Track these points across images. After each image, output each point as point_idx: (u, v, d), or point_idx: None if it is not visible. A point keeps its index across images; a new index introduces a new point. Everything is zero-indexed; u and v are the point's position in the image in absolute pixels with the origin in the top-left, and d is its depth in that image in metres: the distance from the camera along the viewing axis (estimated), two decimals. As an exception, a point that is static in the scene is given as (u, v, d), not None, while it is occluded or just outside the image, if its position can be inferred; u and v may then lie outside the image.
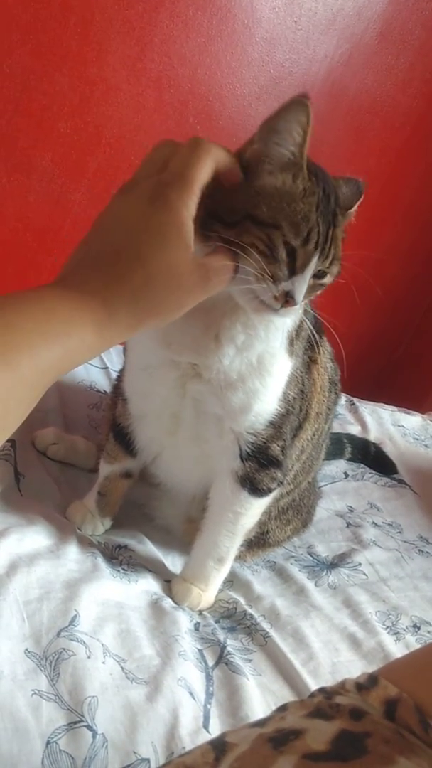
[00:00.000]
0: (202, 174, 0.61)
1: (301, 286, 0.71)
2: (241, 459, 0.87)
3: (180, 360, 0.81)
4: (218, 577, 0.93)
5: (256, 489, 0.88)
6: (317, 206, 0.69)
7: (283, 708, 0.42)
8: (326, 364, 0.98)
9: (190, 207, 0.60)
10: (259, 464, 0.87)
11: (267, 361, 0.81)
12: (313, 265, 0.71)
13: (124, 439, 0.95)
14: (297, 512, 1.09)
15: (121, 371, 0.98)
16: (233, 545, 0.92)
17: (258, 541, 1.02)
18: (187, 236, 0.59)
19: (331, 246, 0.72)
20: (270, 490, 0.90)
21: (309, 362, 0.91)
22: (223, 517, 0.90)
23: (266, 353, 0.80)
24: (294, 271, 0.70)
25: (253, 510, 0.91)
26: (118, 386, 0.98)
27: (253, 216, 0.68)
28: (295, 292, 0.71)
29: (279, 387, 0.85)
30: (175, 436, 0.89)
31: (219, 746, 0.40)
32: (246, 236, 0.68)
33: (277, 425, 0.86)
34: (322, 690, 0.42)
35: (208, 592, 0.92)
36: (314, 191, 0.69)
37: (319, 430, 1.01)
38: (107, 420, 1.06)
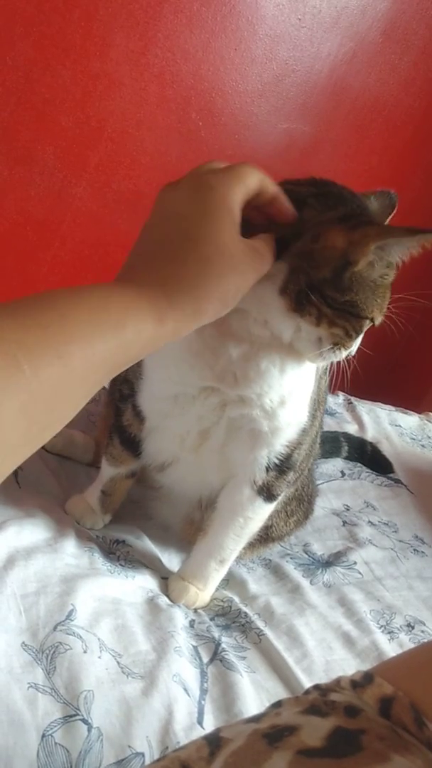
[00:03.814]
0: (248, 175, 0.60)
1: (359, 341, 0.76)
2: (266, 469, 0.87)
3: (233, 393, 0.80)
4: (218, 577, 0.93)
5: (271, 495, 0.89)
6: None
7: (278, 704, 0.42)
8: None
9: (235, 191, 0.58)
10: (279, 472, 0.87)
11: (306, 368, 0.81)
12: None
13: (132, 446, 0.93)
14: (300, 503, 1.08)
15: (128, 381, 0.95)
16: (238, 548, 0.92)
17: (260, 537, 1.01)
18: (235, 217, 0.58)
19: None
20: (281, 493, 0.91)
21: None
22: (233, 521, 0.90)
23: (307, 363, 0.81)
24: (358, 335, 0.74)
25: (264, 514, 0.92)
26: (116, 389, 0.96)
27: (354, 313, 0.71)
28: (354, 350, 0.76)
29: (310, 392, 0.85)
30: (196, 451, 0.88)
31: (214, 741, 0.41)
32: (341, 321, 0.71)
33: (306, 431, 0.86)
34: (317, 687, 0.42)
35: (205, 592, 0.92)
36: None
37: (321, 416, 1.01)
38: (105, 420, 1.05)
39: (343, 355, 0.75)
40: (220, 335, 0.75)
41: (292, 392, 0.81)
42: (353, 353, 0.77)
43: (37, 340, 0.42)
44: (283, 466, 0.87)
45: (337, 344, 0.73)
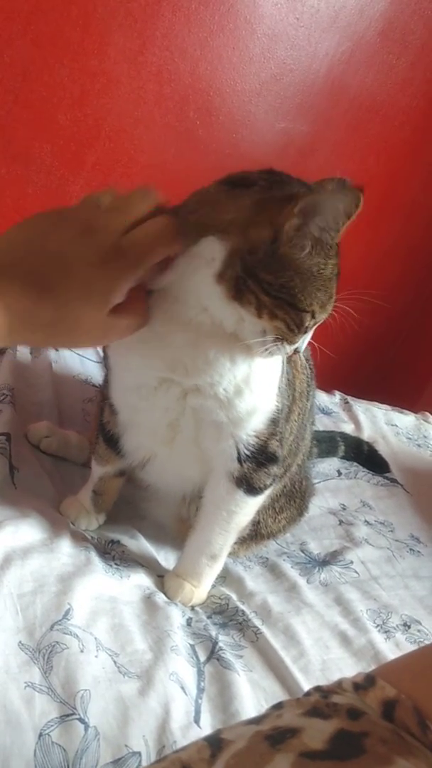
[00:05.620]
0: (157, 256, 0.67)
1: (307, 338, 0.76)
2: (239, 461, 0.86)
3: (188, 383, 0.80)
4: (211, 573, 0.93)
5: (252, 488, 0.88)
6: (337, 274, 0.73)
7: (279, 706, 0.42)
8: None
9: (133, 279, 0.65)
10: (257, 464, 0.87)
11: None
12: (320, 322, 0.76)
13: (114, 444, 0.93)
14: (290, 499, 1.08)
15: (106, 377, 0.95)
16: (227, 543, 0.92)
17: (251, 534, 1.01)
18: (111, 303, 0.64)
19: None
20: (266, 487, 0.90)
21: None
22: (217, 515, 0.90)
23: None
24: (305, 331, 0.74)
25: (249, 508, 0.91)
26: (104, 391, 0.96)
27: (291, 303, 0.70)
28: (302, 346, 0.76)
29: (276, 381, 0.85)
30: (170, 444, 0.87)
31: (215, 743, 0.41)
32: (280, 312, 0.71)
33: (276, 421, 0.86)
34: (318, 689, 0.42)
35: (200, 588, 0.92)
36: (337, 262, 0.72)
37: (303, 410, 1.00)
38: (95, 419, 1.05)
39: (288, 350, 0.75)
40: (166, 322, 0.75)
41: (248, 381, 0.80)
42: (301, 349, 0.78)
43: None
44: (259, 458, 0.86)
45: (280, 338, 0.73)
